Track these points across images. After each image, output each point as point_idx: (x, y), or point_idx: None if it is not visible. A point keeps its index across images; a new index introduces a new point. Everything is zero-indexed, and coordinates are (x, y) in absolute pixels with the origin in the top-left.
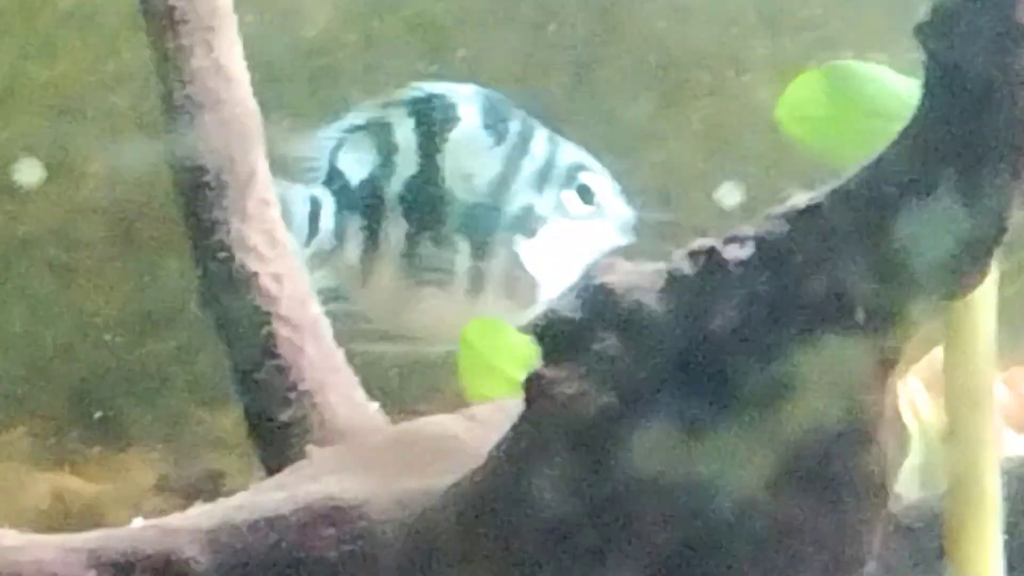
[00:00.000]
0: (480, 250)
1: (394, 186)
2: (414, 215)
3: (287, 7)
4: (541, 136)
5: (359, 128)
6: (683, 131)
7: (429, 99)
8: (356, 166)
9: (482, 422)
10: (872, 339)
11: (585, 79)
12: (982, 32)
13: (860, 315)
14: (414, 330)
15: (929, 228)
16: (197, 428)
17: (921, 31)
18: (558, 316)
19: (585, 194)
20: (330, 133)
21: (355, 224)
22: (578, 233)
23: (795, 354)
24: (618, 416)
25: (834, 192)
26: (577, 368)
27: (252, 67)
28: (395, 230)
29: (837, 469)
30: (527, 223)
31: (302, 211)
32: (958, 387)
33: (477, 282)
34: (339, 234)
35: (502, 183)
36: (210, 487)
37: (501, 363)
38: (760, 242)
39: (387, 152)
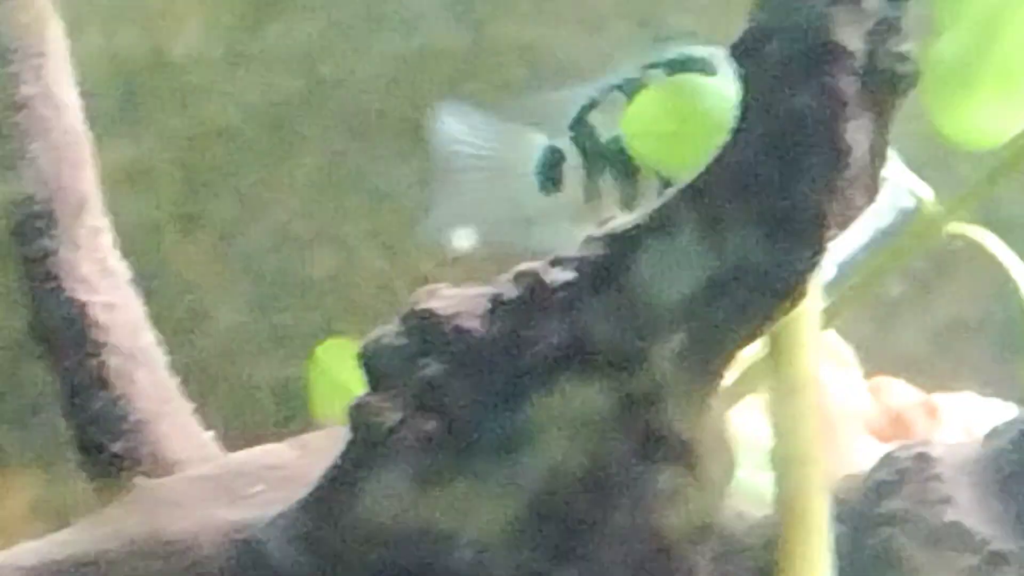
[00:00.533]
0: None
1: None
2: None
3: (151, 23)
4: None
5: (616, 87)
6: None
7: (688, 60)
8: (608, 123)
9: (313, 450)
10: (695, 365)
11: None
12: (798, 53)
13: (680, 342)
14: None
15: (741, 255)
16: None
17: (734, 53)
18: (382, 343)
19: None
20: (586, 90)
21: (602, 180)
22: None
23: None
24: (443, 441)
25: (654, 213)
26: (401, 394)
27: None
28: (643, 188)
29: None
30: None
31: (542, 161)
32: (782, 407)
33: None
34: (585, 189)
35: None
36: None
37: (351, 383)
38: (581, 265)
39: None
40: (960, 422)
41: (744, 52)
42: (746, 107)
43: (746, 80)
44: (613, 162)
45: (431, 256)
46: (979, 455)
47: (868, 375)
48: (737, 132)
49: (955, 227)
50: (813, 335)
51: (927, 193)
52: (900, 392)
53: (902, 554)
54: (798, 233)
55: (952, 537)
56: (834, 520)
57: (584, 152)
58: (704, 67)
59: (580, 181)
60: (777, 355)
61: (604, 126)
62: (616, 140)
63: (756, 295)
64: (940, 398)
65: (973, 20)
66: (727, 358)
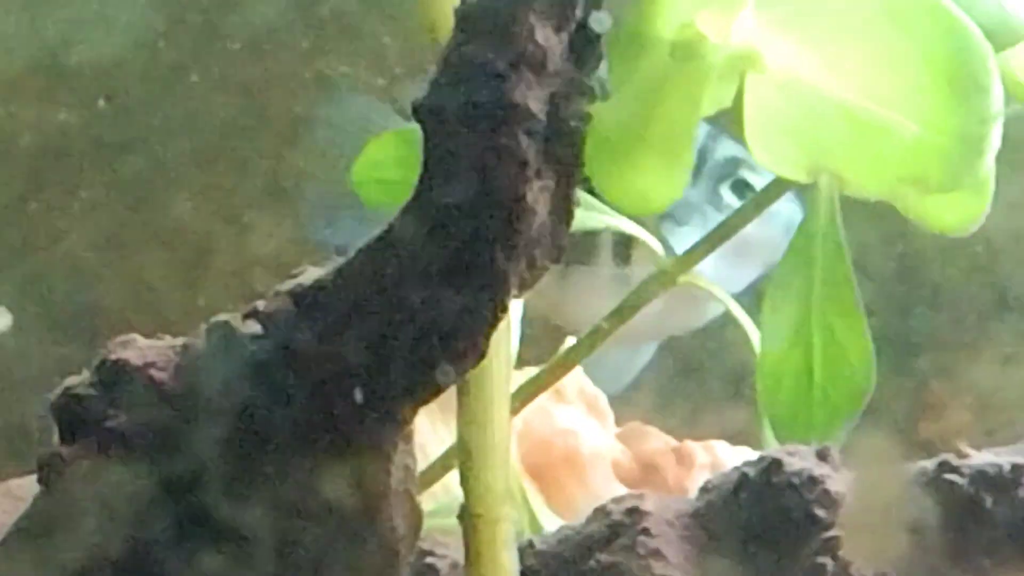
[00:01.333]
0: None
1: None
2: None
3: None
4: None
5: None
6: None
7: None
8: None
9: (17, 497)
10: (376, 418)
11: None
12: (477, 113)
13: (359, 396)
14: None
15: (423, 311)
16: None
17: (416, 111)
18: (72, 393)
19: (742, 189)
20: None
21: None
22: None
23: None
24: (136, 491)
25: (341, 268)
26: (92, 445)
27: None
28: None
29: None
30: (677, 211)
31: None
32: (470, 465)
33: (623, 263)
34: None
35: None
36: None
37: None
38: (268, 319)
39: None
40: (711, 469)
41: (426, 110)
42: (427, 166)
43: (428, 138)
44: None
45: (228, 289)
46: (691, 509)
47: (620, 421)
48: (419, 191)
49: (686, 277)
50: (502, 391)
51: (659, 249)
52: (652, 439)
53: None
54: (478, 293)
55: None
56: (547, 573)
57: None
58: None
59: None
60: (463, 412)
61: None
62: None
63: (436, 351)
64: (691, 445)
65: (637, 87)
66: (410, 412)
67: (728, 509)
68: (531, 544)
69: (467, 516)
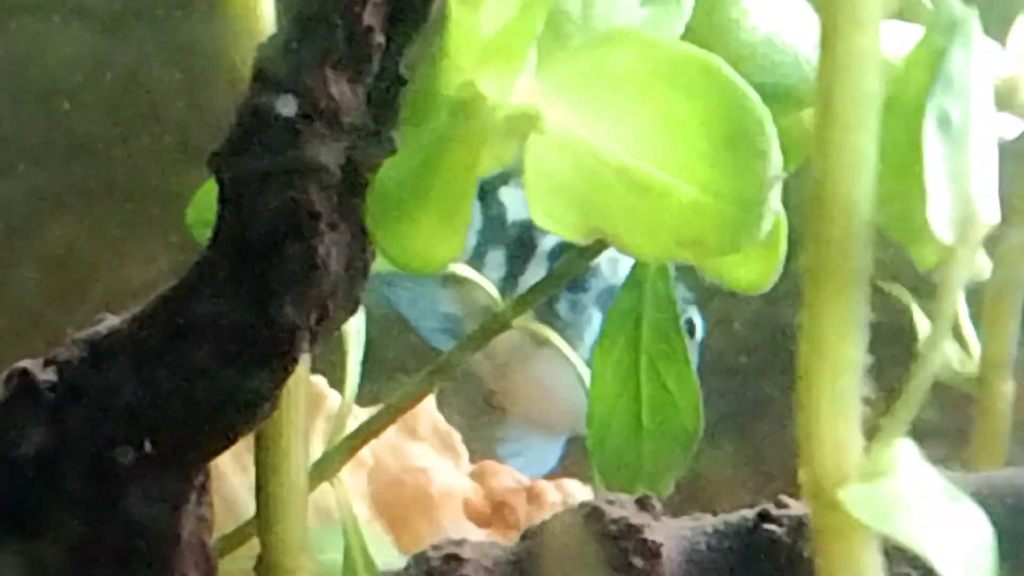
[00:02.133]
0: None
1: (548, 239)
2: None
3: None
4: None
5: None
6: None
7: None
8: (518, 203)
9: None
10: (163, 469)
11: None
12: (269, 166)
13: (146, 446)
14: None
15: (213, 363)
16: None
17: (211, 162)
18: None
19: (689, 328)
20: None
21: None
22: None
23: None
24: None
25: (135, 317)
26: None
27: None
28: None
29: None
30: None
31: None
32: (266, 508)
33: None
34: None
35: None
36: None
37: None
38: (63, 367)
39: None
40: (562, 508)
41: (220, 161)
42: (221, 218)
43: (222, 190)
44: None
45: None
46: (510, 556)
47: (474, 460)
48: (212, 242)
49: (520, 322)
50: (297, 443)
51: (495, 294)
52: (504, 477)
53: None
54: (268, 348)
55: None
56: None
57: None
58: None
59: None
60: (259, 464)
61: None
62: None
63: (225, 405)
64: (543, 484)
65: (420, 144)
66: (198, 463)
67: (545, 555)
68: None
69: (263, 567)
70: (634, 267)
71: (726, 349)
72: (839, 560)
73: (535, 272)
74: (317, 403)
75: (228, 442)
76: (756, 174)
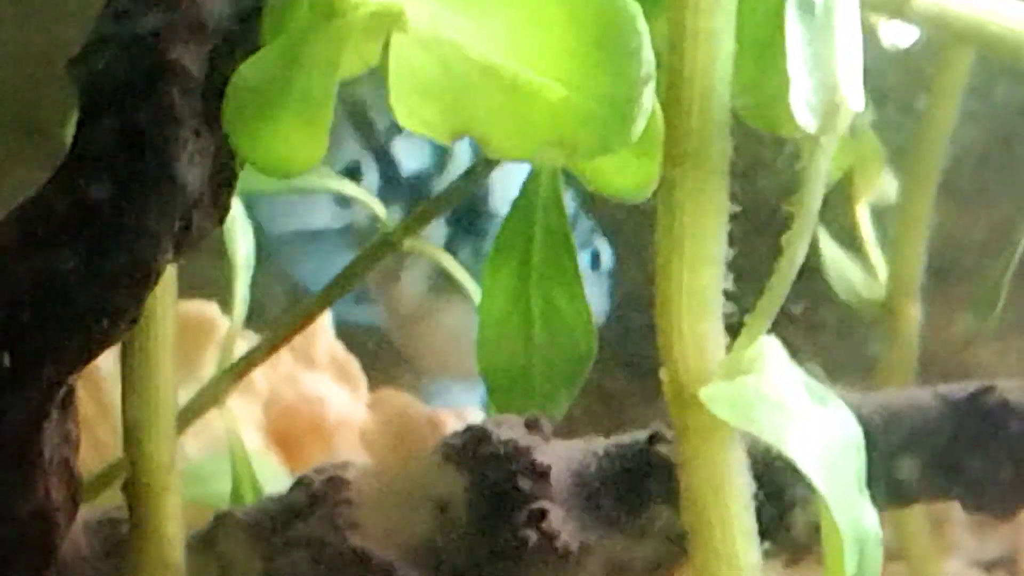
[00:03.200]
0: None
1: (441, 185)
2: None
3: None
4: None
5: None
6: None
7: None
8: (411, 155)
9: None
10: (20, 384)
11: None
12: (130, 71)
13: (5, 360)
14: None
15: (71, 274)
16: None
17: (70, 67)
18: None
19: (595, 259)
20: None
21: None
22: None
23: None
24: None
25: None
26: None
27: None
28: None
29: None
30: None
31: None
32: (134, 427)
33: None
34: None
35: None
36: None
37: None
38: None
39: (442, 151)
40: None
41: (79, 68)
42: (80, 126)
43: (81, 95)
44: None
45: None
46: (395, 475)
47: (374, 388)
48: (72, 150)
49: (411, 243)
50: (164, 359)
51: (382, 213)
52: (404, 406)
53: None
54: (129, 258)
55: (356, 563)
56: (247, 545)
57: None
58: None
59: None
60: (125, 381)
61: (408, 157)
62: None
63: (85, 316)
64: (443, 412)
65: (280, 45)
66: (59, 379)
67: (433, 479)
68: (229, 514)
69: (131, 486)
70: (525, 185)
71: (639, 279)
72: (702, 462)
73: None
74: (208, 330)
75: (89, 355)
76: (627, 73)
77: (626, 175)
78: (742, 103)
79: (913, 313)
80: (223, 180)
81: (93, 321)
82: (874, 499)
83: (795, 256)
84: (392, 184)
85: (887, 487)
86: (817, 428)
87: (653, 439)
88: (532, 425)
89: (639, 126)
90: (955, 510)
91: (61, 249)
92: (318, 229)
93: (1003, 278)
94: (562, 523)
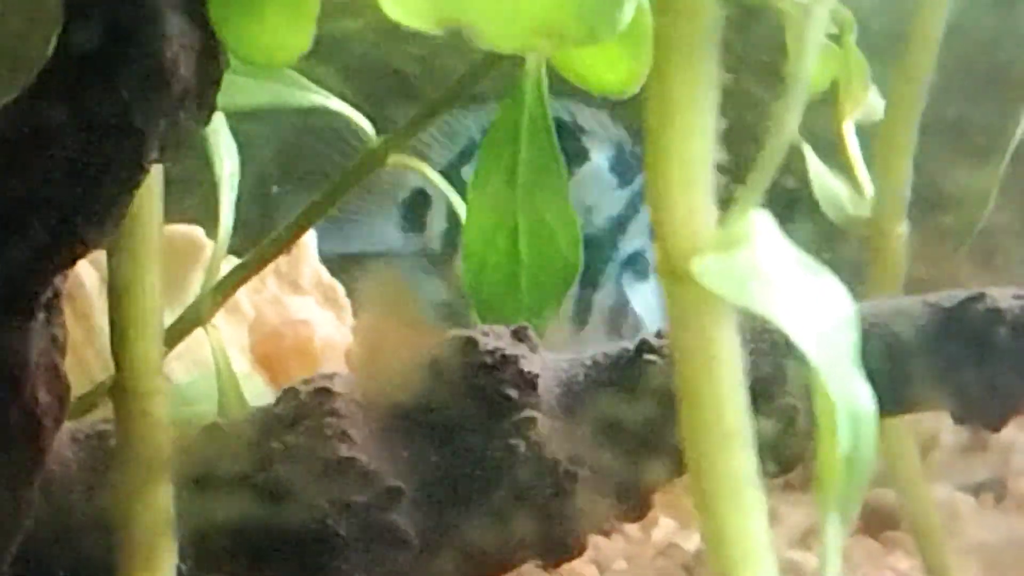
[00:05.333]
0: (590, 281)
1: None
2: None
3: None
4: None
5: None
6: None
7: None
8: None
9: None
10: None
11: None
12: None
13: None
14: None
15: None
16: None
17: None
18: None
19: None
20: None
21: None
22: None
23: None
24: None
25: None
26: None
27: None
28: None
29: None
30: (639, 266)
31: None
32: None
33: (583, 312)
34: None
35: (620, 223)
36: None
37: None
38: None
39: None
40: None
41: None
42: (65, 26)
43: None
44: None
45: None
46: (383, 385)
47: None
48: (57, 47)
49: (396, 159)
50: (151, 260)
51: (369, 129)
52: (391, 328)
53: (294, 488)
54: (115, 156)
55: (346, 472)
56: (234, 455)
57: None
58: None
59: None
60: (111, 281)
61: None
62: None
63: (70, 213)
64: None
65: None
66: (43, 279)
67: (421, 389)
68: (215, 425)
69: (118, 390)
70: (509, 98)
71: None
72: (694, 336)
73: None
74: (194, 252)
75: (75, 255)
76: None
77: (614, 70)
78: None
79: (900, 230)
80: (209, 77)
81: (80, 220)
82: None
83: (785, 127)
84: None
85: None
86: (810, 301)
87: (641, 348)
88: (519, 335)
89: (627, 14)
90: (943, 434)
91: (49, 147)
92: (382, 251)
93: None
94: (550, 432)
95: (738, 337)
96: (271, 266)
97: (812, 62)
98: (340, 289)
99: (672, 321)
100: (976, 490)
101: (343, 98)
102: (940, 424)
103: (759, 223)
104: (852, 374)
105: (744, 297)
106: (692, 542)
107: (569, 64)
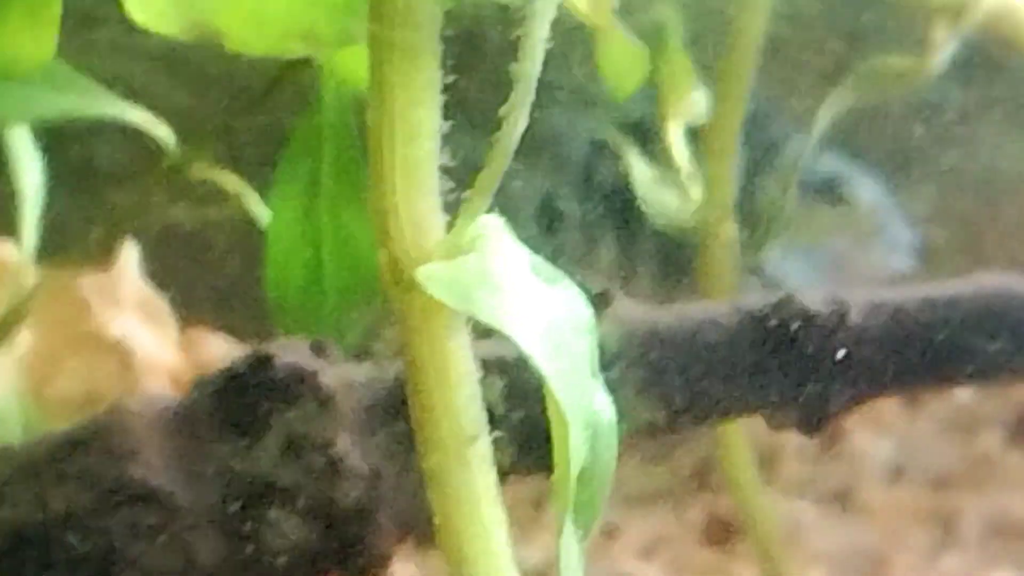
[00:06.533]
0: None
1: None
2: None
3: None
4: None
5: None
6: None
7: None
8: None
9: None
10: None
11: None
12: None
13: None
14: None
15: None
16: None
17: None
18: None
19: (843, 206)
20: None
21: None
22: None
23: None
24: None
25: None
26: None
27: None
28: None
29: None
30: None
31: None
32: None
33: None
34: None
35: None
36: None
37: None
38: None
39: None
40: None
41: None
42: None
43: None
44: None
45: None
46: (177, 407)
47: (184, 328)
48: None
49: (199, 169)
50: None
51: (170, 139)
52: (214, 345)
53: (82, 512)
54: None
55: (134, 493)
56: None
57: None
58: None
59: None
60: None
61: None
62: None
63: None
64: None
65: None
66: None
67: (213, 406)
68: (5, 448)
69: None
70: (310, 103)
71: None
72: (424, 347)
73: None
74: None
75: None
76: None
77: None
78: None
79: (729, 232)
80: None
81: None
82: (677, 416)
83: (514, 128)
84: None
85: (689, 402)
86: (541, 308)
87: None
88: (318, 349)
89: (430, 8)
90: (792, 442)
91: None
92: None
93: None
94: (348, 447)
95: (470, 345)
96: (89, 281)
97: (538, 62)
98: (163, 306)
99: (402, 332)
100: (821, 499)
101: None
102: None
103: (489, 228)
104: (587, 382)
105: (471, 305)
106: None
107: (330, 62)
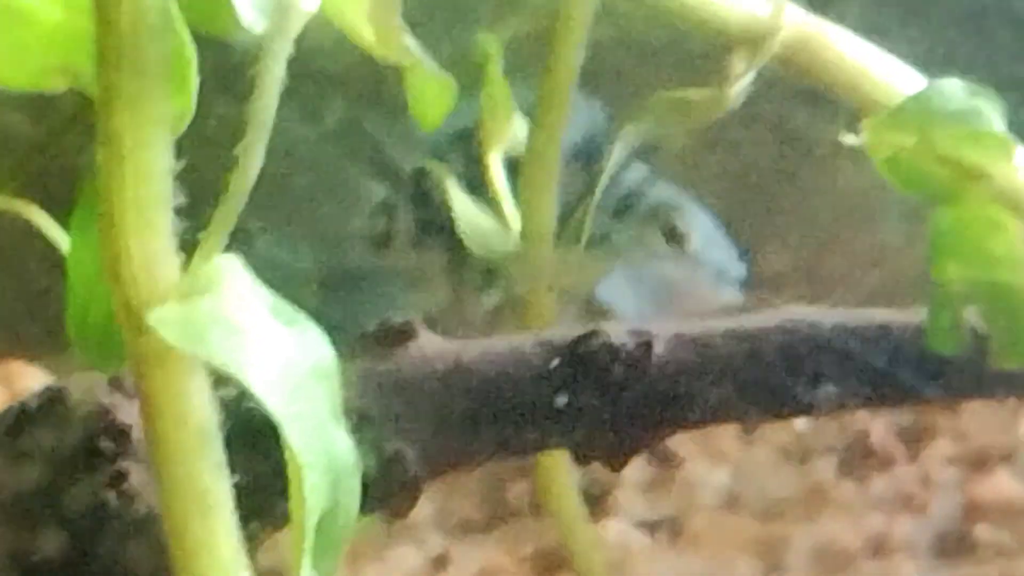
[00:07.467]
0: None
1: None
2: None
3: None
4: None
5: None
6: None
7: None
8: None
9: None
10: None
11: None
12: None
13: None
14: None
15: None
16: None
17: None
18: None
19: (674, 236)
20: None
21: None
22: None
23: None
24: None
25: None
26: None
27: None
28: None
29: None
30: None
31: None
32: None
33: None
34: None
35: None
36: None
37: None
38: None
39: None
40: None
41: None
42: None
43: None
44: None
45: None
46: None
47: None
48: None
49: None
50: None
51: None
52: (30, 378)
53: None
54: None
55: None
56: None
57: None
58: None
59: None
60: None
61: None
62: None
63: None
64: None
65: None
66: None
67: (6, 445)
68: None
69: None
70: None
71: None
72: (160, 392)
73: None
74: None
75: None
76: None
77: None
78: (186, 3)
79: (547, 259)
80: None
81: None
82: (480, 451)
83: (249, 167)
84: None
85: (492, 438)
86: (278, 351)
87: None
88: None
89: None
90: (625, 471)
91: None
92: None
93: None
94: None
95: (209, 389)
96: None
97: (273, 101)
98: None
99: (136, 376)
100: (653, 527)
101: None
102: None
103: (226, 269)
104: (327, 426)
105: (204, 348)
106: None
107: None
